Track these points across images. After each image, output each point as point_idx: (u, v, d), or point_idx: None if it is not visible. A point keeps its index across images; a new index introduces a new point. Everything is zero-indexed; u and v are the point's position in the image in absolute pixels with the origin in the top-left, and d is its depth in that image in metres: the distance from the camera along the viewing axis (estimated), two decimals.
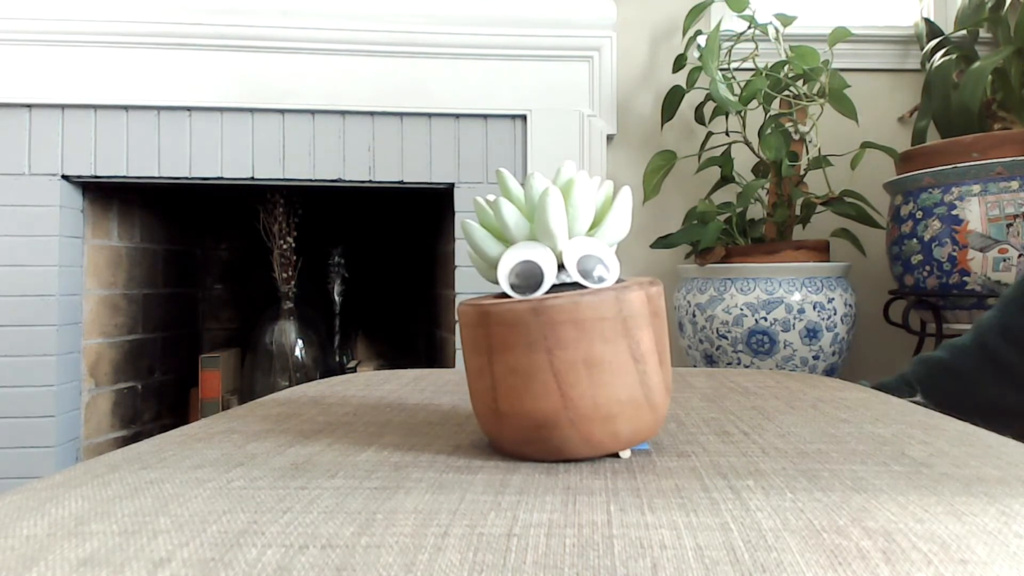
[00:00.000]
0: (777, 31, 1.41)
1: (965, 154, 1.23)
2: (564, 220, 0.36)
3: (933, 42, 1.51)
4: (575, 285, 0.36)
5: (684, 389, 0.59)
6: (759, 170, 1.48)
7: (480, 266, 0.39)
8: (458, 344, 1.40)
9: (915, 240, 1.29)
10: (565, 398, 0.34)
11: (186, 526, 0.27)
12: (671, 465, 0.35)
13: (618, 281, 0.37)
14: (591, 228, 0.38)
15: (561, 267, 0.37)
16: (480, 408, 0.37)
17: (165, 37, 1.30)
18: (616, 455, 0.37)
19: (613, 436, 0.35)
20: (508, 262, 0.36)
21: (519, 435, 0.36)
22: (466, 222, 0.39)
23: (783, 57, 1.37)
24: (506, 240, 0.38)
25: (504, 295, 0.37)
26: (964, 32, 1.49)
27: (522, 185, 0.39)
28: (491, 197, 0.38)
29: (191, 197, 1.74)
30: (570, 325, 0.34)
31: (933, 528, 0.26)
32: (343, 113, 1.36)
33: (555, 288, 0.36)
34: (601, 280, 0.36)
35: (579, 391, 0.34)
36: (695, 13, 1.43)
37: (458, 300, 1.39)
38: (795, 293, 1.26)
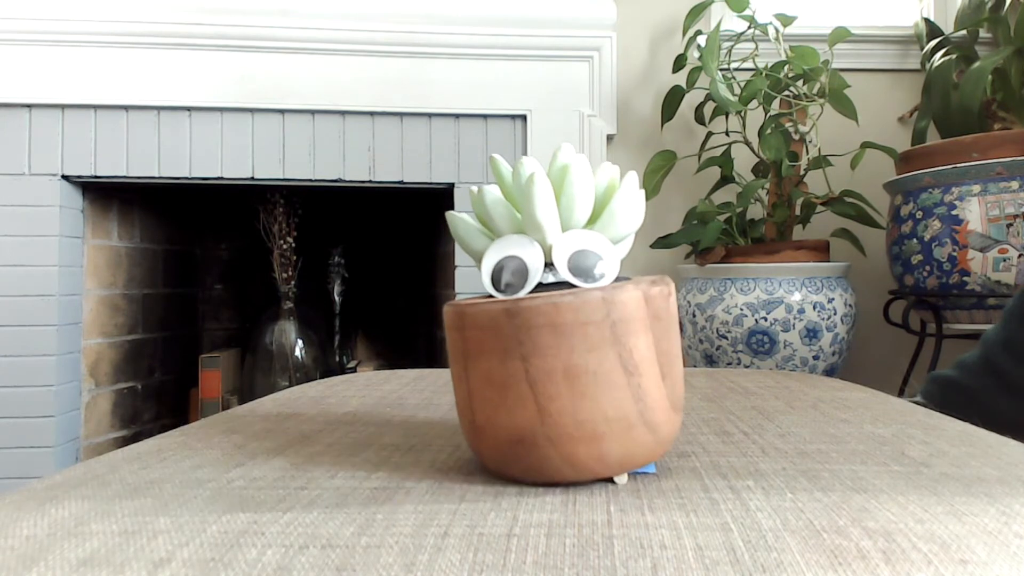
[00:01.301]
0: (777, 31, 1.41)
1: (965, 154, 1.23)
2: (554, 211, 0.32)
3: (933, 42, 1.51)
4: (567, 284, 0.32)
5: (684, 389, 0.59)
6: (759, 170, 1.48)
7: (475, 263, 0.36)
8: None
9: (915, 240, 1.29)
10: (543, 412, 0.30)
11: (186, 526, 0.27)
12: (671, 465, 0.35)
13: (616, 280, 0.33)
14: (591, 220, 0.35)
15: (551, 264, 0.33)
16: (461, 419, 0.34)
17: (165, 37, 1.30)
18: (611, 480, 0.32)
19: (600, 459, 0.31)
20: (491, 257, 0.33)
21: (497, 452, 0.32)
22: (450, 213, 0.35)
23: (783, 57, 1.37)
24: (493, 233, 0.35)
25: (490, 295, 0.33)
26: (964, 32, 1.49)
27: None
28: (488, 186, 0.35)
29: (191, 197, 1.74)
30: (548, 330, 0.30)
31: (933, 528, 0.26)
32: (343, 113, 1.36)
33: (543, 287, 0.32)
34: (600, 278, 0.32)
35: (558, 405, 0.30)
36: (695, 13, 1.42)
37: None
38: (795, 293, 1.26)
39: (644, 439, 0.31)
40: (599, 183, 0.35)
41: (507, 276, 0.32)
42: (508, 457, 0.32)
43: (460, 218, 0.35)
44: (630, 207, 0.34)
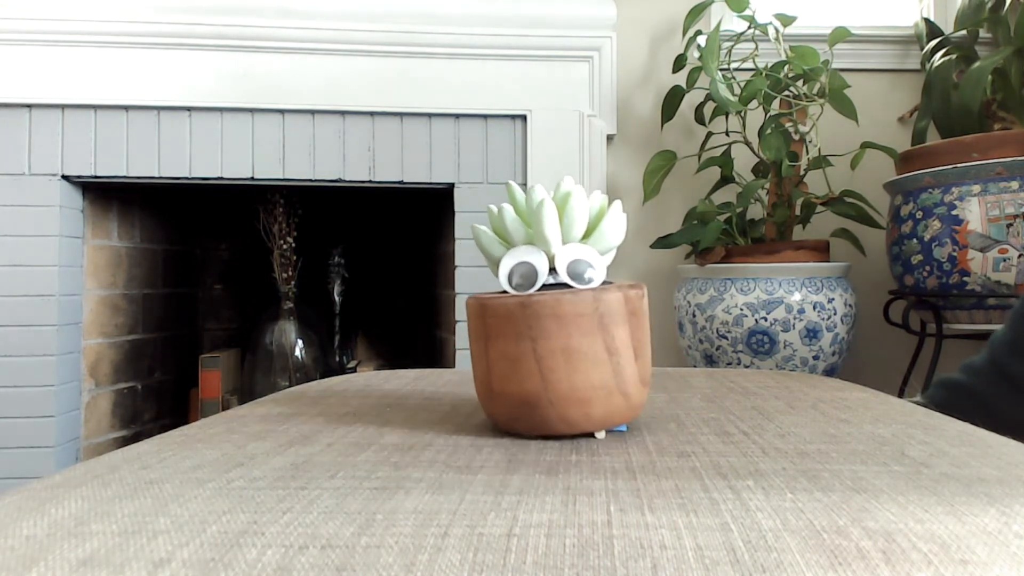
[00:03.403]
0: (777, 31, 1.41)
1: (965, 154, 1.23)
2: (557, 228, 0.41)
3: (933, 42, 1.51)
4: (565, 285, 0.41)
5: (684, 389, 0.59)
6: (759, 170, 1.48)
7: (490, 266, 0.44)
8: (458, 344, 1.41)
9: (915, 240, 1.29)
10: (545, 381, 0.39)
11: (186, 526, 0.27)
12: (671, 465, 0.35)
13: (604, 283, 0.42)
14: (585, 236, 0.43)
15: (554, 269, 0.41)
16: (479, 388, 0.42)
17: (165, 37, 1.30)
18: (592, 435, 0.41)
19: (587, 417, 0.39)
20: (507, 263, 0.41)
21: (508, 412, 0.41)
22: (475, 226, 0.44)
23: (783, 57, 1.37)
24: (508, 243, 0.43)
25: (505, 291, 0.42)
26: (964, 32, 1.49)
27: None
28: (504, 205, 0.44)
29: (191, 197, 1.74)
30: (552, 319, 0.38)
31: (933, 528, 0.26)
32: (343, 113, 1.36)
33: (547, 287, 0.41)
34: (590, 281, 0.40)
35: (557, 376, 0.39)
36: (695, 13, 1.42)
37: (458, 300, 1.39)
38: (795, 293, 1.26)
39: (620, 404, 0.40)
40: (592, 207, 0.44)
41: (519, 277, 0.41)
42: (517, 415, 0.40)
43: (482, 230, 0.44)
44: (615, 226, 0.43)
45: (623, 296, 0.40)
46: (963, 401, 0.73)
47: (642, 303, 0.41)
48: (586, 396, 0.39)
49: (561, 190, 0.43)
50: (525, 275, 0.41)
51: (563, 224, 0.42)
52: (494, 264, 0.43)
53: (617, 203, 0.44)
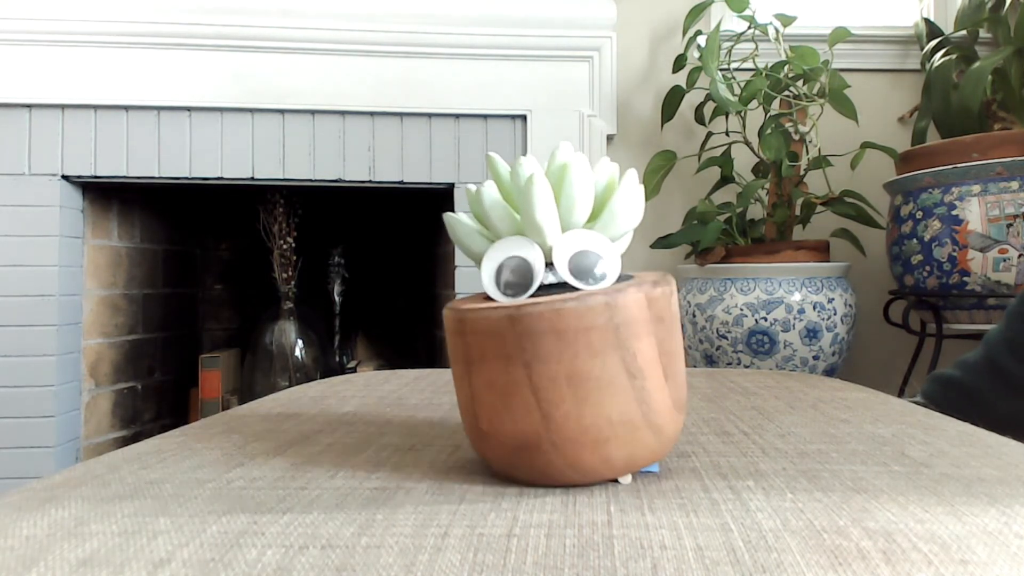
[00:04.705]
0: (777, 31, 1.41)
1: (965, 154, 1.23)
2: (553, 212, 0.32)
3: (933, 42, 1.51)
4: (567, 286, 0.32)
5: (686, 388, 0.59)
6: (759, 170, 1.48)
7: (475, 265, 0.35)
8: None
9: (915, 240, 1.29)
10: (546, 418, 0.30)
11: (186, 526, 0.27)
12: (671, 465, 0.35)
13: (619, 280, 0.33)
14: (591, 219, 0.34)
15: (551, 264, 0.32)
16: (466, 424, 0.34)
17: (165, 37, 1.30)
18: (615, 481, 0.33)
19: (604, 462, 0.31)
20: (492, 260, 0.32)
21: (502, 457, 0.32)
22: (448, 215, 0.35)
23: (783, 57, 1.37)
24: (492, 234, 0.34)
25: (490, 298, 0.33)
26: (964, 32, 1.49)
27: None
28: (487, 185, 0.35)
29: (191, 197, 1.74)
30: (551, 335, 0.29)
31: (933, 528, 0.26)
32: (343, 113, 1.36)
33: (544, 289, 0.32)
34: (601, 279, 0.31)
35: (562, 411, 0.30)
36: (695, 13, 1.42)
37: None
38: (795, 293, 1.26)
39: (648, 441, 0.31)
40: (598, 181, 0.34)
41: (509, 275, 0.32)
42: (513, 462, 0.32)
43: (458, 219, 0.35)
44: (630, 205, 0.34)
45: (645, 297, 0.30)
46: (958, 397, 0.73)
47: (671, 303, 0.32)
48: (602, 435, 0.30)
49: (556, 161, 0.33)
50: (518, 272, 0.32)
51: (560, 205, 0.32)
52: (477, 261, 0.34)
53: (631, 174, 0.34)
